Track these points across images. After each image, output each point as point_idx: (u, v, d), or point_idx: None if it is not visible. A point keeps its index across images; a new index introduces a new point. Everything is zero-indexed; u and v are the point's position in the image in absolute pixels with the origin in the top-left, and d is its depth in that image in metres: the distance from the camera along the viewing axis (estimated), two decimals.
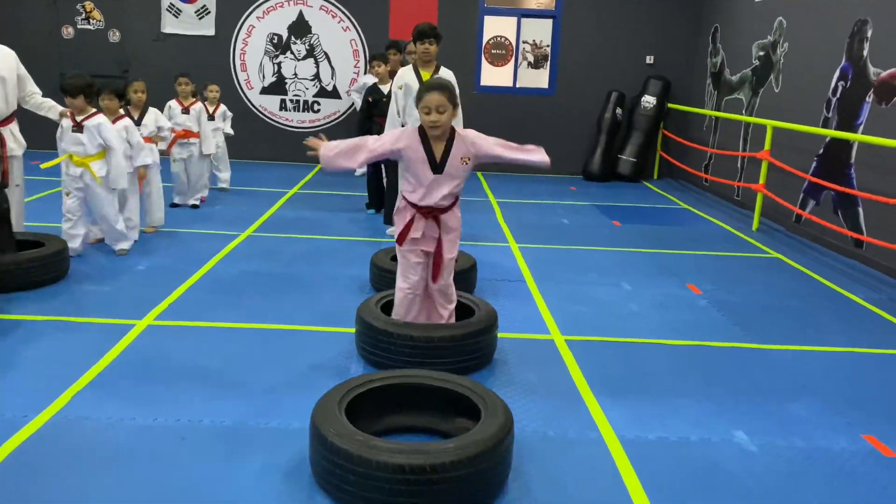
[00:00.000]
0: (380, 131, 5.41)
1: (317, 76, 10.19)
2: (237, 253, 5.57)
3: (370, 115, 6.96)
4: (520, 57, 10.34)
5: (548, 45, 10.30)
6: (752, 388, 3.53)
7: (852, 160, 6.32)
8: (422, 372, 2.98)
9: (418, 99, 3.33)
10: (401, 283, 3.59)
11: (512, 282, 5.10)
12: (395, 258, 4.76)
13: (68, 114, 5.09)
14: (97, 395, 3.15)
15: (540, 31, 10.26)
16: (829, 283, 5.46)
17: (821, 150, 6.84)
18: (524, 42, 10.31)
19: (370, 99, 6.99)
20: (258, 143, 10.16)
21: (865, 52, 6.24)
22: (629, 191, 9.45)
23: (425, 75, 5.49)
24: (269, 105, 10.24)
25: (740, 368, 3.78)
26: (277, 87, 10.20)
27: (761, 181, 7.28)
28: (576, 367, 3.69)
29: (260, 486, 2.53)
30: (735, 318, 4.54)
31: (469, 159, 3.42)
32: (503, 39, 10.28)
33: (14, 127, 5.17)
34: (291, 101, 10.25)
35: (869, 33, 6.21)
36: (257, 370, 3.48)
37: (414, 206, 3.46)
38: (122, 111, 5.52)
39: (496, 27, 10.22)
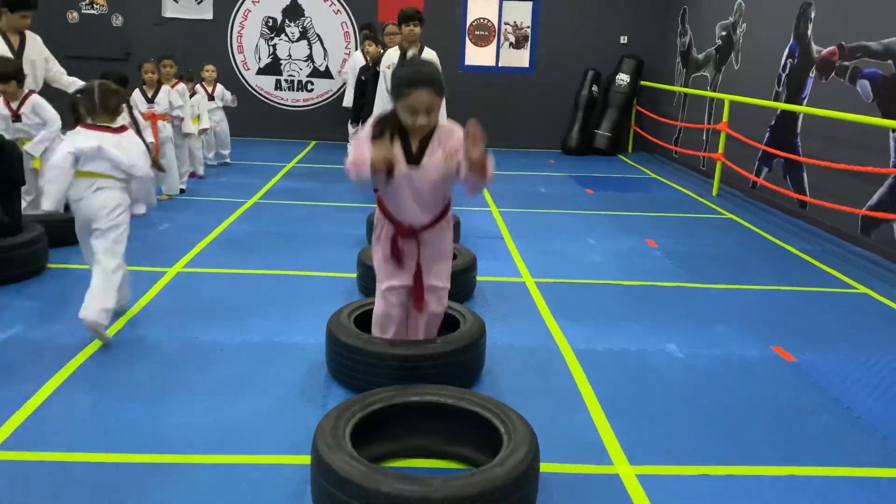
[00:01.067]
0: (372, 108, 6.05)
1: (310, 57, 10.78)
2: (246, 216, 6.22)
3: (363, 93, 7.58)
4: (502, 38, 10.96)
5: (528, 27, 10.92)
6: (687, 316, 4.25)
7: (798, 130, 7.03)
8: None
9: (399, 93, 2.73)
10: (375, 332, 3.13)
11: (491, 238, 5.79)
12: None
13: None
14: (144, 324, 3.82)
15: (521, 13, 10.88)
16: (771, 238, 6.18)
17: (773, 122, 7.54)
18: (506, 24, 10.93)
19: (363, 77, 7.61)
20: (255, 121, 10.75)
21: (809, 32, 6.93)
22: (604, 163, 10.14)
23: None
24: (265, 85, 10.83)
25: (679, 302, 4.49)
26: (273, 67, 10.79)
27: (720, 150, 7.99)
28: (542, 300, 4.39)
29: (285, 381, 3.21)
30: (682, 265, 5.25)
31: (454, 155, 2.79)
32: (486, 21, 10.89)
33: None
34: (286, 81, 10.84)
35: (812, 14, 6.90)
36: (275, 303, 4.16)
37: (390, 219, 2.94)
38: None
39: (479, 9, 10.83)
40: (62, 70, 5.94)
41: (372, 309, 3.26)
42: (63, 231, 5.07)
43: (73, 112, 3.62)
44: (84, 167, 3.50)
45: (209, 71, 8.15)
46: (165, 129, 6.52)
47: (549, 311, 4.23)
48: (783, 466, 2.70)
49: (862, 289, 4.88)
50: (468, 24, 10.82)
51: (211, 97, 8.14)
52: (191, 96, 7.44)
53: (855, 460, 2.77)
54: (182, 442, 2.69)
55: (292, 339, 3.66)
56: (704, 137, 9.29)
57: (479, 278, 4.50)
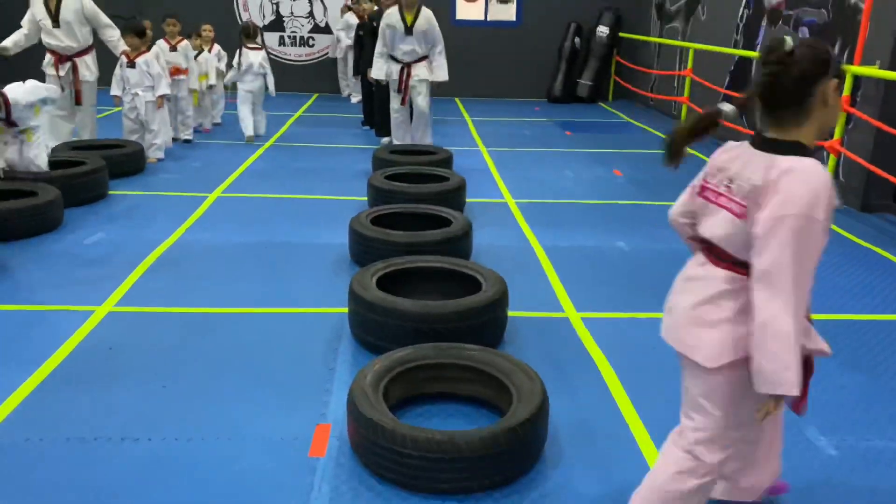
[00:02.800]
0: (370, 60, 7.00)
1: (311, 14, 11.54)
2: (267, 155, 7.12)
3: (362, 47, 8.39)
4: None
5: None
6: (638, 222, 5.20)
7: (753, 74, 7.91)
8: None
9: None
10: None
11: (479, 171, 6.71)
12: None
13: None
14: (200, 230, 4.76)
15: None
16: None
17: (732, 68, 8.42)
18: None
19: (360, 33, 8.42)
20: None
21: None
22: (586, 110, 11.01)
23: (409, 17, 6.89)
24: (269, 41, 11.59)
25: (634, 215, 5.45)
26: (276, 24, 11.55)
27: (685, 94, 8.88)
28: (520, 214, 5.34)
29: (317, 267, 4.17)
30: (641, 189, 6.20)
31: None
32: None
33: (89, 58, 6.62)
34: (289, 36, 11.61)
35: None
36: (302, 218, 5.09)
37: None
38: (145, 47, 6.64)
39: None
40: (109, 24, 6.65)
41: (384, 213, 4.28)
42: (119, 163, 6.01)
43: None
44: None
45: (207, 30, 8.28)
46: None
47: (524, 221, 5.18)
48: None
49: None
50: None
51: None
52: (198, 54, 7.86)
53: None
54: (248, 299, 3.65)
55: (321, 241, 4.61)
56: (675, 84, 10.15)
57: (467, 199, 5.44)
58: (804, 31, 6.89)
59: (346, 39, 10.27)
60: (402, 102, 7.02)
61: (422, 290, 3.52)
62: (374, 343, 3.05)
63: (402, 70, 6.92)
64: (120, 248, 4.37)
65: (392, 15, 6.93)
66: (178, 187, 5.82)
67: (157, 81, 6.56)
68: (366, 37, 8.31)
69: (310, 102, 10.86)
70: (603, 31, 11.46)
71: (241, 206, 5.40)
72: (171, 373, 2.92)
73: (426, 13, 6.91)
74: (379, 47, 7.08)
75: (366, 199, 5.43)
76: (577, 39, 11.56)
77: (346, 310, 3.33)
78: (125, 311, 3.51)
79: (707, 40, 8.95)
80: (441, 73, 6.98)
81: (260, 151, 7.29)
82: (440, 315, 2.96)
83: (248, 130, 7.75)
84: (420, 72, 6.97)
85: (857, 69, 5.57)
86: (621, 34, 11.59)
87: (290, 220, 5.04)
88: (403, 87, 6.95)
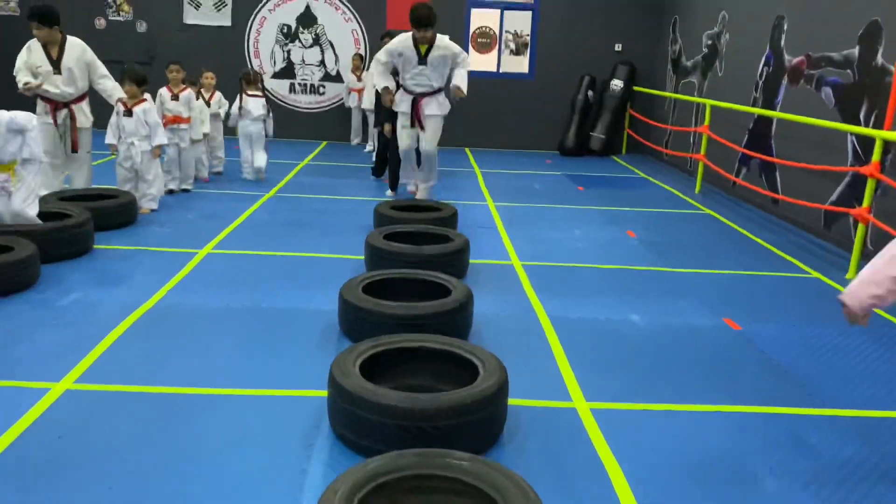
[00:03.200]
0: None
1: (322, 62, 11.43)
2: (268, 205, 6.86)
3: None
4: (503, 45, 11.58)
5: (527, 35, 11.55)
6: (653, 292, 4.85)
7: (773, 133, 7.62)
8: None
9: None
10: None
11: (485, 227, 6.41)
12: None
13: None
14: (183, 293, 4.45)
15: (520, 22, 11.51)
16: (743, 231, 6.78)
17: (751, 126, 8.14)
18: (506, 32, 11.56)
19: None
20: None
21: (782, 43, 7.52)
22: (598, 163, 10.75)
23: (423, 47, 6.54)
24: (280, 88, 11.48)
25: (649, 282, 5.10)
26: (287, 72, 11.45)
27: (702, 152, 8.59)
28: (526, 279, 5.01)
29: (301, 341, 3.84)
30: (656, 253, 5.86)
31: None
32: (488, 29, 11.52)
33: (85, 104, 6.44)
34: (300, 84, 11.50)
35: (785, 26, 7.50)
36: (294, 278, 4.78)
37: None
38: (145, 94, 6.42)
39: (481, 19, 11.47)
40: (105, 74, 6.45)
41: (377, 280, 3.96)
42: (109, 215, 5.75)
43: None
44: None
45: (208, 78, 8.06)
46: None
47: (531, 287, 4.84)
48: (712, 405, 3.30)
49: (815, 273, 5.47)
50: (471, 31, 11.46)
51: (208, 104, 7.96)
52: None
53: (774, 401, 3.37)
54: (222, 377, 3.31)
55: (311, 306, 4.29)
56: (691, 140, 9.89)
57: (471, 261, 5.12)
58: (827, 92, 6.61)
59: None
60: (412, 125, 6.84)
61: (412, 374, 3.17)
62: (355, 441, 2.70)
63: (413, 102, 6.70)
64: (93, 312, 4.06)
65: (405, 41, 6.57)
66: (168, 242, 5.54)
67: (154, 131, 6.35)
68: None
69: (318, 150, 10.68)
70: (617, 84, 11.28)
71: (230, 263, 5.10)
72: (122, 472, 2.57)
73: (442, 40, 6.57)
74: (380, 66, 6.69)
75: (363, 257, 5.13)
76: (590, 92, 11.37)
77: (326, 393, 2.99)
78: (85, 389, 3.18)
79: (724, 97, 8.71)
80: (461, 83, 6.62)
81: (259, 203, 7.03)
82: (428, 412, 2.60)
83: (247, 174, 8.01)
84: (431, 108, 6.73)
85: (886, 134, 5.26)
86: (635, 88, 11.40)
87: (281, 282, 4.73)
88: (416, 120, 6.75)
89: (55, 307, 4.11)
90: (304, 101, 11.58)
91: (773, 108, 7.58)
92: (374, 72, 6.98)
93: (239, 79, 7.96)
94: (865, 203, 5.36)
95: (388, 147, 8.11)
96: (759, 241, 6.41)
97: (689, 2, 10.41)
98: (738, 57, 8.61)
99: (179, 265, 4.94)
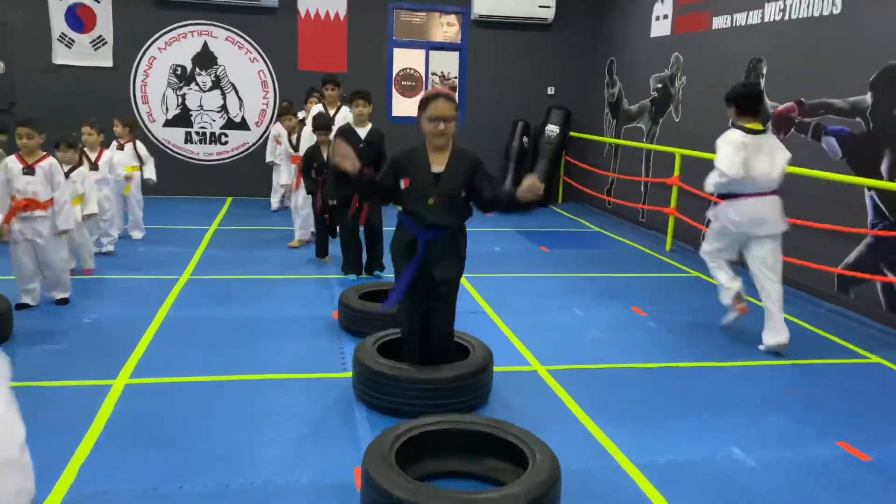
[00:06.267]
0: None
1: (224, 108, 9.92)
2: (185, 298, 5.34)
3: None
4: (429, 88, 10.55)
5: (456, 77, 10.59)
6: (728, 406, 3.83)
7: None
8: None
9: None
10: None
11: (473, 313, 5.23)
12: (362, 296, 4.79)
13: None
14: (97, 467, 2.96)
15: (447, 63, 10.55)
16: (749, 298, 5.95)
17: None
18: (433, 73, 10.55)
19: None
20: (163, 177, 9.71)
21: (761, 87, 6.91)
22: (540, 216, 9.84)
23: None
24: (173, 138, 9.84)
25: (707, 386, 4.09)
26: (182, 119, 9.84)
27: (672, 205, 7.85)
28: (566, 395, 3.86)
29: None
30: (684, 338, 4.89)
31: None
32: (413, 71, 10.47)
33: None
34: (197, 133, 9.91)
35: (764, 70, 6.90)
36: (249, 425, 3.38)
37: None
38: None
39: (405, 59, 10.40)
40: None
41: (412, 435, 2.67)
42: None
43: None
44: None
45: (87, 133, 6.23)
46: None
47: (580, 409, 3.70)
48: None
49: (874, 358, 4.68)
50: (394, 73, 10.35)
51: (94, 166, 6.22)
52: (71, 170, 5.46)
53: None
54: None
55: (301, 480, 2.92)
56: (643, 189, 9.19)
57: (495, 368, 3.92)
58: (831, 143, 5.98)
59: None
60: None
61: None
62: None
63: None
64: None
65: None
66: (64, 371, 3.95)
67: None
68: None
69: (224, 209, 9.12)
70: (552, 129, 10.49)
71: (163, 403, 3.61)
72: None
73: (343, 112, 6.59)
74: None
75: (347, 377, 3.82)
76: (524, 138, 10.53)
77: None
78: None
79: (685, 144, 8.04)
80: None
81: (175, 292, 5.49)
82: None
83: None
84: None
85: None
86: (571, 133, 10.66)
87: (245, 435, 3.31)
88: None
89: None
90: (202, 153, 9.98)
91: None
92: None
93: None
94: None
95: (333, 225, 6.63)
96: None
97: (627, 43, 9.81)
98: (700, 101, 7.97)
99: (86, 413, 3.41)
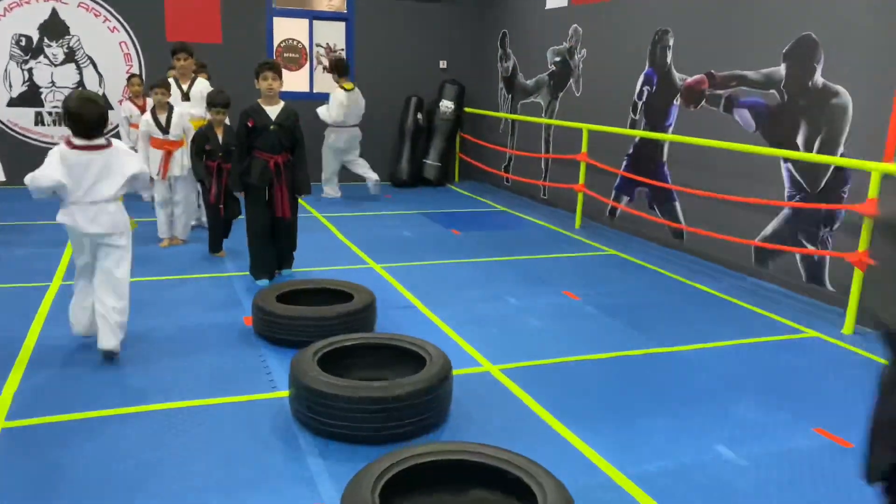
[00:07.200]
0: None
1: (80, 84, 8.73)
2: (61, 312, 4.49)
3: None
4: (314, 61, 9.82)
5: (342, 49, 9.91)
6: (693, 397, 3.62)
7: (664, 158, 6.90)
8: None
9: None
10: None
11: (403, 308, 4.76)
12: (280, 298, 4.19)
13: None
14: None
15: (333, 34, 9.84)
16: (674, 276, 5.87)
17: (630, 150, 7.38)
18: (318, 45, 9.81)
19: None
20: (11, 164, 8.44)
21: (669, 60, 6.82)
22: (441, 195, 9.46)
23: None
24: (19, 119, 8.56)
25: (665, 374, 3.87)
26: (30, 97, 8.57)
27: (581, 181, 7.68)
28: (529, 398, 3.50)
29: None
30: (626, 322, 4.66)
31: None
32: (295, 42, 9.68)
33: None
34: (50, 113, 8.67)
35: (671, 42, 6.80)
36: (182, 472, 2.77)
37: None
38: None
39: (287, 29, 9.59)
40: None
41: None
42: None
43: None
44: None
45: None
46: None
47: (549, 414, 3.35)
48: None
49: (809, 332, 4.66)
50: (275, 45, 9.53)
51: None
52: None
53: None
54: None
55: None
56: (544, 165, 9.01)
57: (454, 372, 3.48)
58: (744, 115, 5.96)
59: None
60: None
61: None
62: None
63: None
64: None
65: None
66: None
67: None
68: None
69: None
70: (447, 105, 10.07)
71: (57, 451, 2.90)
72: None
73: (201, 83, 6.58)
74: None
75: (281, 397, 3.27)
76: (419, 115, 10.05)
77: None
78: None
79: (587, 119, 7.89)
80: None
81: (46, 306, 4.63)
82: None
83: None
84: None
85: (886, 167, 4.59)
86: (466, 109, 10.30)
87: (174, 478, 2.70)
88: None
89: None
90: (56, 136, 8.75)
91: (664, 131, 6.85)
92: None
93: None
94: (861, 248, 4.65)
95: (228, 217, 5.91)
96: (708, 290, 5.51)
97: (520, 15, 9.52)
98: (603, 75, 7.83)
99: None
